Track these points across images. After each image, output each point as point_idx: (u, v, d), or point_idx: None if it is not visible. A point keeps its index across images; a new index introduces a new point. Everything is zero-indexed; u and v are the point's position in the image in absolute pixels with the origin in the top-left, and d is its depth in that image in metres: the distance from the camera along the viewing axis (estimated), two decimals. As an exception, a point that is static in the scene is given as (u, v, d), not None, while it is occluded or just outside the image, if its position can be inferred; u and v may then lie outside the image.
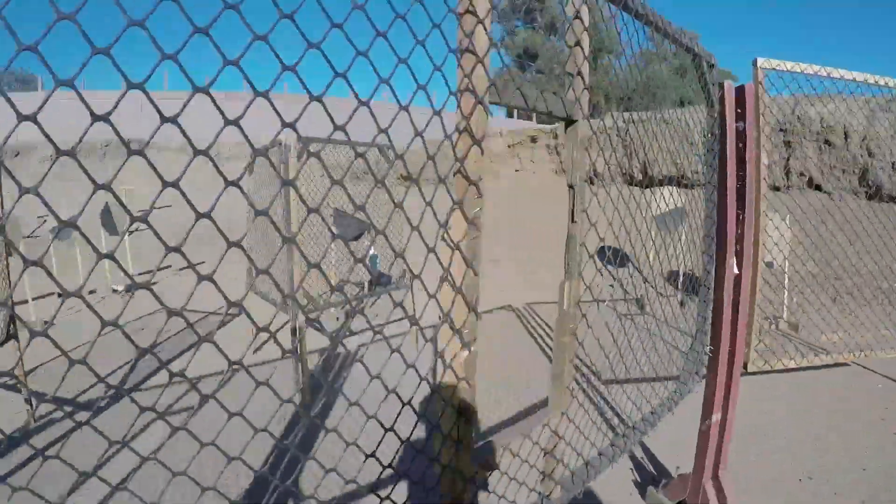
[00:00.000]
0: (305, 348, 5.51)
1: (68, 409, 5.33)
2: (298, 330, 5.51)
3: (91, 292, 10.69)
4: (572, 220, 1.65)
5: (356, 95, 1.15)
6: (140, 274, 12.72)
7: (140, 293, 10.49)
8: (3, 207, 4.67)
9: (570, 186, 1.63)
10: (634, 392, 3.58)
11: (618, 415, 5.02)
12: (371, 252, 8.82)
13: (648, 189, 11.38)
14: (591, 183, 1.59)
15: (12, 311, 4.71)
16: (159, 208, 11.44)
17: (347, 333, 7.95)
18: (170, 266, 14.00)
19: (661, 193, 7.48)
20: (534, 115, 32.66)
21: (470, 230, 1.27)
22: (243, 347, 6.89)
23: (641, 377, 3.48)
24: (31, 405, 4.92)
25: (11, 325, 4.72)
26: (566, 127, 1.62)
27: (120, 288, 10.63)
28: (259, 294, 6.90)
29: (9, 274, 4.79)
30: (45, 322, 8.84)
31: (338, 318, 8.77)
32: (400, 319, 7.32)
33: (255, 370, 6.36)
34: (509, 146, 16.76)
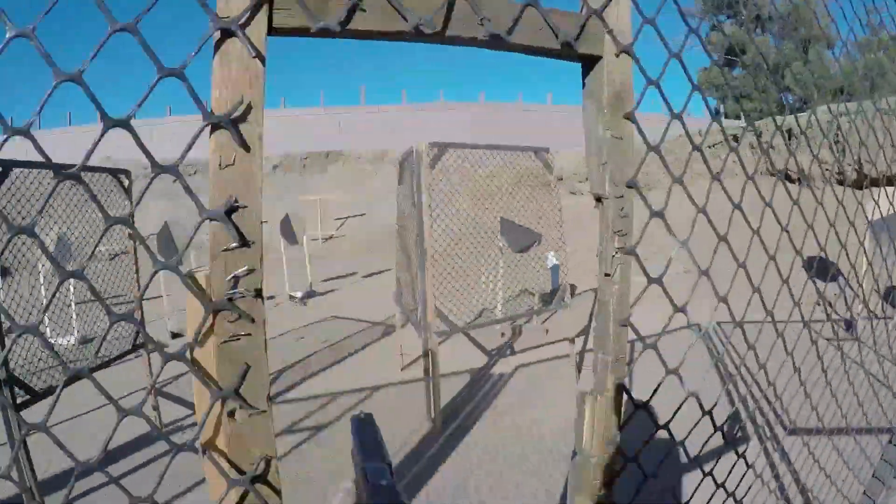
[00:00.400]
0: (438, 372, 5.01)
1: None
2: (431, 353, 5.03)
3: (269, 297, 11.18)
4: (604, 274, 0.95)
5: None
6: (324, 281, 13.21)
7: (315, 301, 10.80)
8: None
9: (598, 199, 0.94)
10: (826, 450, 2.55)
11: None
12: (553, 261, 8.12)
13: (864, 189, 9.49)
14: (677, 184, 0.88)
15: (141, 324, 4.74)
16: (353, 217, 11.89)
17: (508, 353, 7.35)
18: (355, 273, 14.45)
19: (883, 194, 5.92)
20: (741, 112, 29.77)
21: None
22: (394, 364, 6.64)
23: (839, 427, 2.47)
24: (158, 412, 4.95)
25: (138, 337, 4.76)
26: (584, 74, 0.93)
27: (298, 295, 10.98)
28: (404, 312, 6.54)
29: (139, 282, 4.85)
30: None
31: (503, 335, 8.18)
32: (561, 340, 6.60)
33: (401, 389, 6.03)
34: (709, 146, 15.29)
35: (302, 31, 0.76)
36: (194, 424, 4.39)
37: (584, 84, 0.97)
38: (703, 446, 1.34)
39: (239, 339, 0.79)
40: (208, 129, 0.77)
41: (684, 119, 1.00)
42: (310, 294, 11.29)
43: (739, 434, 4.48)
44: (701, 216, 1.05)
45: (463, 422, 5.15)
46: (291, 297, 10.93)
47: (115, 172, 4.63)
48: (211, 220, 0.77)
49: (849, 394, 2.07)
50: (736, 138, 13.12)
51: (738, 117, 30.15)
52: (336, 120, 24.48)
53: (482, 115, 24.31)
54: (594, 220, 1.00)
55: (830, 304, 1.75)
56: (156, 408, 4.94)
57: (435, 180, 5.04)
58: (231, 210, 0.77)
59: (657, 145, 0.96)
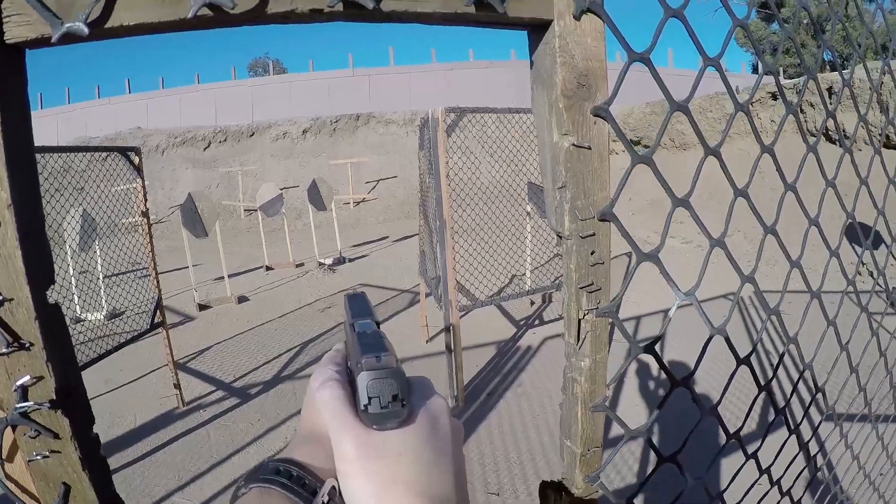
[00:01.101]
0: (460, 348, 4.80)
1: (223, 393, 5.24)
2: (452, 329, 4.81)
3: (299, 265, 11.08)
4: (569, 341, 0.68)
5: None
6: (355, 246, 13.08)
7: (344, 268, 10.68)
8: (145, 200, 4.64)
9: (560, 236, 0.65)
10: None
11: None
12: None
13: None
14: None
15: (159, 300, 4.65)
16: (384, 179, 11.78)
17: (536, 323, 7.09)
18: (386, 237, 14.29)
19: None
20: (781, 68, 28.32)
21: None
22: (419, 335, 6.46)
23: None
24: (180, 389, 4.87)
25: (158, 313, 4.65)
26: (530, 49, 0.64)
27: (328, 261, 10.86)
28: (428, 283, 6.32)
29: (155, 264, 4.72)
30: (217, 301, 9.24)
31: (532, 302, 7.92)
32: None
33: (427, 361, 5.84)
34: (751, 104, 14.50)
35: (43, 42, 0.51)
36: (216, 401, 4.36)
37: (531, 63, 0.69)
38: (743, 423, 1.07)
39: (48, 456, 0.61)
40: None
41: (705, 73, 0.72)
42: (339, 261, 11.16)
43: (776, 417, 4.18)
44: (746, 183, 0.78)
45: (487, 398, 4.95)
46: (320, 265, 10.80)
47: (124, 150, 4.51)
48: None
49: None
50: (774, 96, 12.37)
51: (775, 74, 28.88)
52: (366, 82, 24.03)
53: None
54: (631, 180, 0.75)
55: (881, 275, 1.45)
56: (177, 385, 4.86)
57: (454, 146, 4.74)
58: (-8, 305, 0.57)
59: (685, 100, 0.68)
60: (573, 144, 0.65)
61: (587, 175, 0.66)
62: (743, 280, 0.88)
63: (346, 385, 0.55)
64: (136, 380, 5.66)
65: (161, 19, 0.52)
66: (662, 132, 0.73)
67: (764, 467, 1.07)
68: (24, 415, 0.58)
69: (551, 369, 5.48)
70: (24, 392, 0.58)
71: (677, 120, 13.32)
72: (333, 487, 0.50)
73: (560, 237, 0.68)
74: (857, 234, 1.27)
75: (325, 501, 0.49)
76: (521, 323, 7.03)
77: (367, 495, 0.47)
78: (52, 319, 0.59)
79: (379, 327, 0.61)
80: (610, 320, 0.70)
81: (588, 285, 0.67)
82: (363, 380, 0.49)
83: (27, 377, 0.57)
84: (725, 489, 1.06)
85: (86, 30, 0.50)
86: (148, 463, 4.09)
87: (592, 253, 0.67)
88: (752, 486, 1.11)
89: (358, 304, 0.66)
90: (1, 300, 0.55)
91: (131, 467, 4.03)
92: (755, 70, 32.05)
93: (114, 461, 4.07)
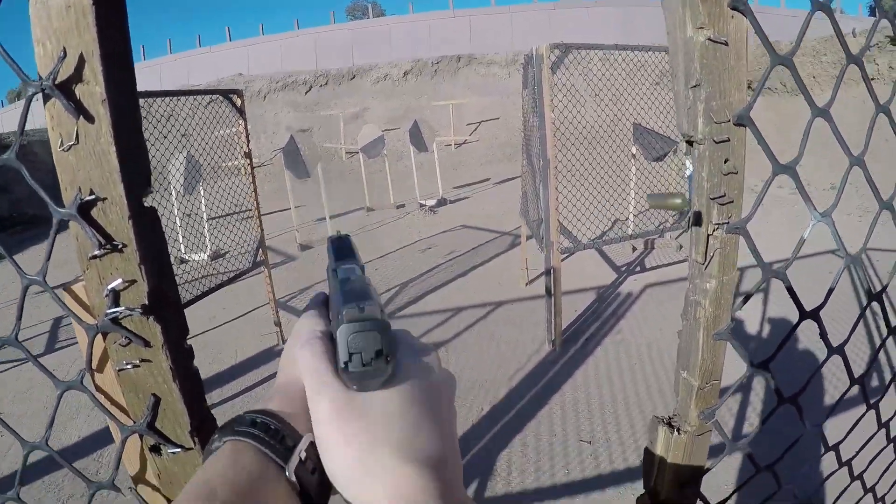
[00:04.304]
0: (560, 292, 4.74)
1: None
2: (553, 272, 4.75)
3: (400, 206, 11.22)
4: (695, 261, 0.61)
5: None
6: (456, 188, 13.09)
7: (445, 209, 10.74)
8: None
9: (689, 143, 0.58)
10: None
11: None
12: (691, 170, 7.44)
13: None
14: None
15: (261, 239, 4.82)
16: (487, 121, 11.73)
17: (638, 269, 6.90)
18: (488, 180, 14.21)
19: None
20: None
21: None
22: (519, 277, 6.43)
23: None
24: (280, 327, 5.07)
25: (260, 252, 4.84)
26: None
27: (429, 203, 10.94)
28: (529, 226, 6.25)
29: (258, 204, 4.89)
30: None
31: (634, 248, 7.70)
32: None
33: (525, 305, 5.83)
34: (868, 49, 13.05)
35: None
36: None
37: (663, -47, 0.60)
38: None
39: (139, 365, 0.60)
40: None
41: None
42: (441, 202, 11.21)
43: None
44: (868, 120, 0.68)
45: (585, 343, 4.89)
46: (421, 206, 10.90)
47: (226, 93, 4.64)
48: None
49: None
50: (893, 41, 11.12)
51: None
52: (466, 23, 23.54)
53: (635, 11, 22.28)
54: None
55: None
56: (277, 323, 5.07)
57: (558, 85, 4.58)
58: (86, 206, 0.55)
59: (790, 53, 0.59)
60: (709, 39, 0.57)
61: (723, 74, 0.59)
62: (817, 219, 0.78)
63: (327, 340, 0.49)
64: (239, 317, 5.96)
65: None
66: (768, 73, 0.63)
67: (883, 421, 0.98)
68: (115, 321, 0.57)
69: (651, 318, 5.34)
70: (115, 297, 0.57)
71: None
72: (312, 443, 0.45)
73: (690, 143, 0.61)
74: None
75: (303, 458, 0.44)
76: (623, 269, 6.86)
77: (348, 461, 0.42)
78: (147, 221, 0.58)
79: (364, 272, 0.55)
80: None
81: (720, 196, 0.60)
82: (343, 333, 0.43)
83: (119, 280, 0.55)
84: (843, 440, 0.98)
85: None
86: (247, 398, 4.28)
87: (726, 161, 0.60)
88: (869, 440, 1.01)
89: (342, 247, 0.59)
90: (94, 199, 0.55)
91: (231, 402, 4.25)
92: (872, 13, 29.00)
93: (215, 395, 4.33)
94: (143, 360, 0.59)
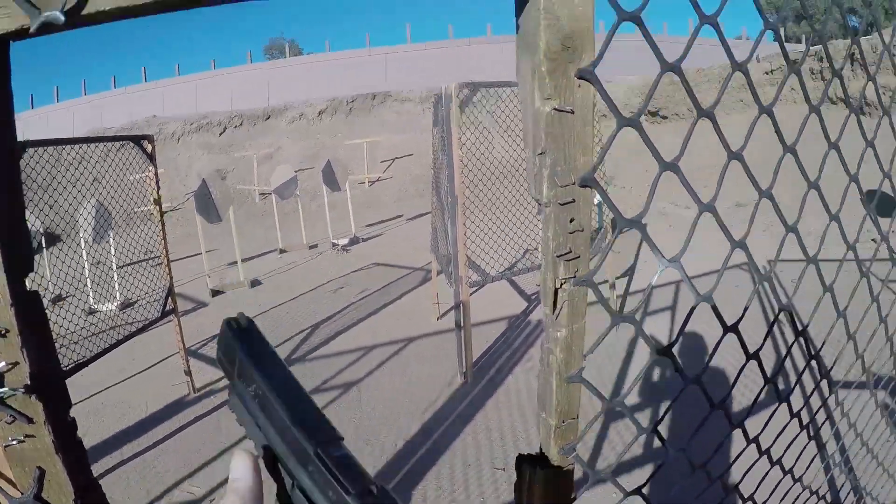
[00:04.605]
0: (469, 325, 4.81)
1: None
2: (462, 306, 4.82)
3: (312, 246, 11.14)
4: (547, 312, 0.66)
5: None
6: (369, 225, 13.10)
7: (360, 248, 10.72)
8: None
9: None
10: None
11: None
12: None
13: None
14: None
15: (170, 287, 4.69)
16: (400, 158, 11.73)
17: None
18: (400, 216, 14.28)
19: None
20: (806, 35, 27.54)
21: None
22: (430, 312, 6.47)
23: None
24: (191, 376, 4.94)
25: (169, 300, 4.71)
26: (517, 13, 0.60)
27: (342, 242, 10.91)
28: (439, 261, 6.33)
29: (167, 251, 4.78)
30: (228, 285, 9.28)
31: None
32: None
33: (437, 339, 5.86)
34: (766, 73, 14.14)
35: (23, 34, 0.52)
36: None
37: (517, 28, 0.67)
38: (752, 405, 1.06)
39: (24, 441, 0.63)
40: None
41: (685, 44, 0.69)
42: (353, 241, 11.21)
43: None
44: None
45: (495, 374, 4.97)
46: (334, 245, 10.87)
47: (137, 139, 4.56)
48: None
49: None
50: (795, 62, 12.12)
51: (798, 41, 28.13)
52: (382, 61, 23.84)
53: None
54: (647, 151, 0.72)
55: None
56: (188, 372, 4.92)
57: (467, 122, 4.72)
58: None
59: (677, 62, 0.66)
60: (555, 109, 0.63)
61: (569, 140, 0.64)
62: (734, 245, 0.86)
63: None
64: (148, 368, 5.75)
65: (136, 2, 0.52)
66: (651, 94, 0.71)
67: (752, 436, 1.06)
68: (0, 401, 0.58)
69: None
70: (0, 378, 0.58)
71: (696, 89, 13.11)
72: None
73: (539, 205, 0.67)
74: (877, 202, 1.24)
75: None
76: (533, 297, 7.04)
77: None
78: (29, 306, 0.59)
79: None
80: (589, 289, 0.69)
81: (566, 253, 0.66)
82: None
83: (2, 363, 0.57)
84: (708, 457, 1.05)
85: (62, 18, 0.50)
86: (159, 451, 4.13)
87: (572, 220, 0.66)
88: (740, 454, 1.09)
89: (259, 352, 0.49)
90: None
91: (142, 456, 4.07)
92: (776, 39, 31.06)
93: (126, 450, 4.13)
94: (27, 436, 0.61)
